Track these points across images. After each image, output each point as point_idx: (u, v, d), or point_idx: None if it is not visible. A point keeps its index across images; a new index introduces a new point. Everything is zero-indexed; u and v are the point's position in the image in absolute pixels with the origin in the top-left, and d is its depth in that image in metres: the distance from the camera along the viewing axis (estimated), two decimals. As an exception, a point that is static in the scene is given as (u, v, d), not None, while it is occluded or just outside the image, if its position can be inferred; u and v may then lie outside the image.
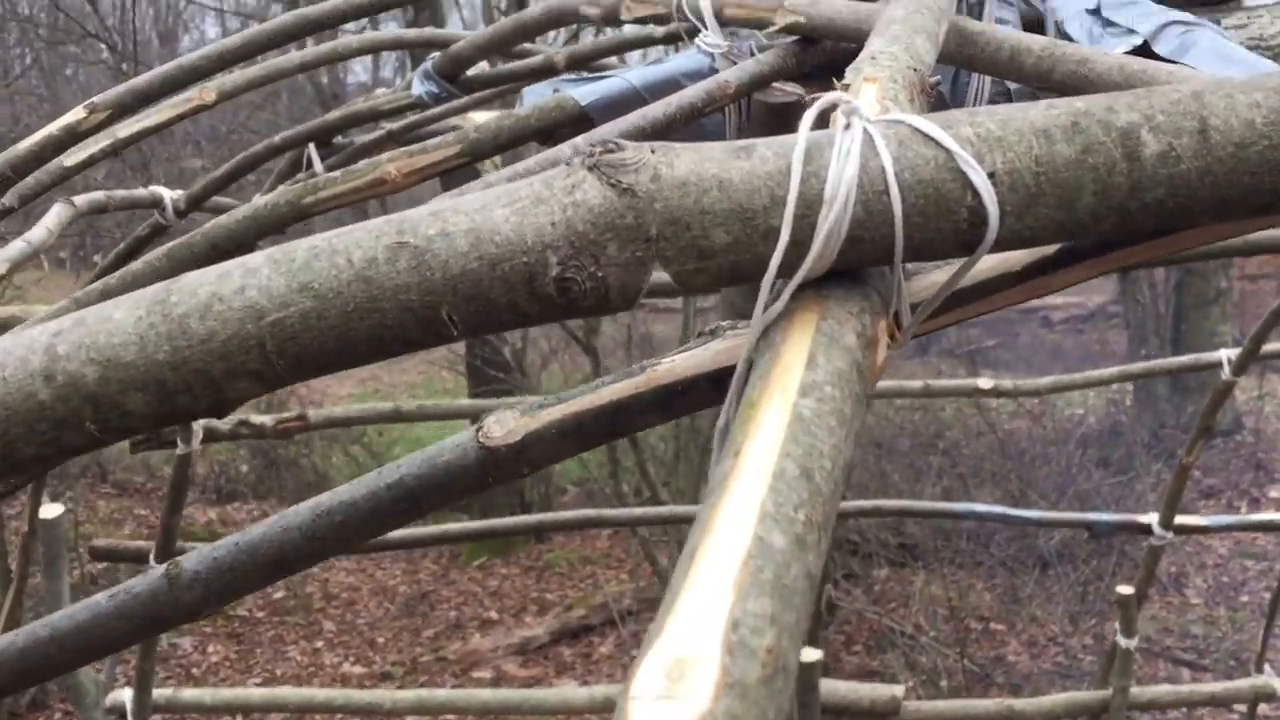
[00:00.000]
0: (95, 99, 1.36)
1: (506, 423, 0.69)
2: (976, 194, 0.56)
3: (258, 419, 3.32)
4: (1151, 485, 7.77)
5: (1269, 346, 3.33)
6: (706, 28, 1.31)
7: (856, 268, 0.60)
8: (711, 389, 0.68)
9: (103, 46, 11.03)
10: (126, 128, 1.69)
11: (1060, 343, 11.50)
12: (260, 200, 1.17)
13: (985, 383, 3.52)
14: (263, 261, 0.60)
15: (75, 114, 1.34)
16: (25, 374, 0.59)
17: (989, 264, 0.65)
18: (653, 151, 0.57)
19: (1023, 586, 7.15)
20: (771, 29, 1.22)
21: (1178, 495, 3.56)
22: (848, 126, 0.57)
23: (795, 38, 1.22)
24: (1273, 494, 8.16)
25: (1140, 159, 0.56)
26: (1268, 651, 3.72)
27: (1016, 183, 0.56)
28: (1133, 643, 3.63)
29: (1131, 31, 0.95)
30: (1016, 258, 0.65)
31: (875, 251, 0.58)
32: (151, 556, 2.82)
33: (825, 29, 1.17)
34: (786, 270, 0.58)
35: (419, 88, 2.10)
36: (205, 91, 1.72)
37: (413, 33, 1.92)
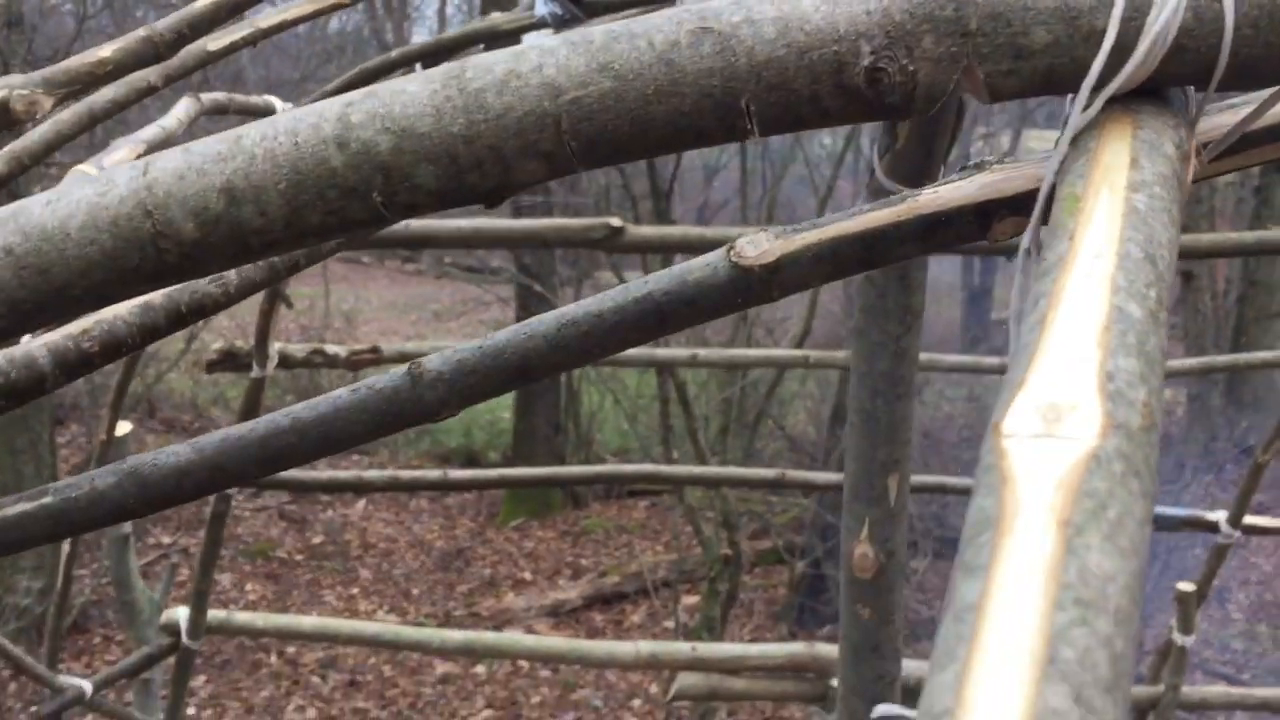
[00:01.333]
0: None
1: (760, 243, 0.68)
2: (1317, 5, 0.54)
3: (331, 349, 3.34)
4: (1200, 496, 7.69)
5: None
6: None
7: (1165, 88, 0.58)
8: (975, 221, 0.67)
9: (175, -11, 11.11)
10: (267, 19, 1.69)
11: (1111, 350, 11.28)
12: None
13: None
14: (560, 42, 0.59)
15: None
16: (319, 139, 0.59)
17: (1280, 108, 0.64)
18: (974, -52, 0.56)
19: (1062, 586, 7.06)
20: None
21: (1249, 494, 3.51)
22: (1179, -67, 0.55)
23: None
24: (1323, 513, 8.04)
25: None
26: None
27: (1358, -3, 0.54)
28: (1190, 640, 3.60)
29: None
30: (1311, 102, 0.63)
31: (1195, 65, 0.56)
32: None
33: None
34: (1102, 80, 0.56)
35: (542, 8, 2.10)
36: (344, -12, 1.72)
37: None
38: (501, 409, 9.36)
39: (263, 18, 1.68)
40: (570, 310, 0.69)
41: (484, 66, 0.59)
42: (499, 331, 0.69)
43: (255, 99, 2.29)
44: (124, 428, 2.94)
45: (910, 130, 1.36)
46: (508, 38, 2.21)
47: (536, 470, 4.40)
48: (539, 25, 2.11)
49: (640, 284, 0.69)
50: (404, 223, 0.95)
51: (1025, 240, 0.58)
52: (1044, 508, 0.38)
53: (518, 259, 8.24)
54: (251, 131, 0.60)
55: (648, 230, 3.44)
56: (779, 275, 0.68)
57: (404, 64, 2.21)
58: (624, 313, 0.68)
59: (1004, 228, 0.66)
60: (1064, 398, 0.42)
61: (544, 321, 0.69)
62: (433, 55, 2.24)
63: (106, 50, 1.30)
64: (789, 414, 8.47)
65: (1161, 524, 3.86)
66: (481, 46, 2.25)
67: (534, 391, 8.22)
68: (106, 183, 0.59)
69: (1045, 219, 0.56)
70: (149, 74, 1.57)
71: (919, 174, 1.44)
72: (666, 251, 3.70)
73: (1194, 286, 8.53)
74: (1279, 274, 8.11)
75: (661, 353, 3.60)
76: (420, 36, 12.87)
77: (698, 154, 11.24)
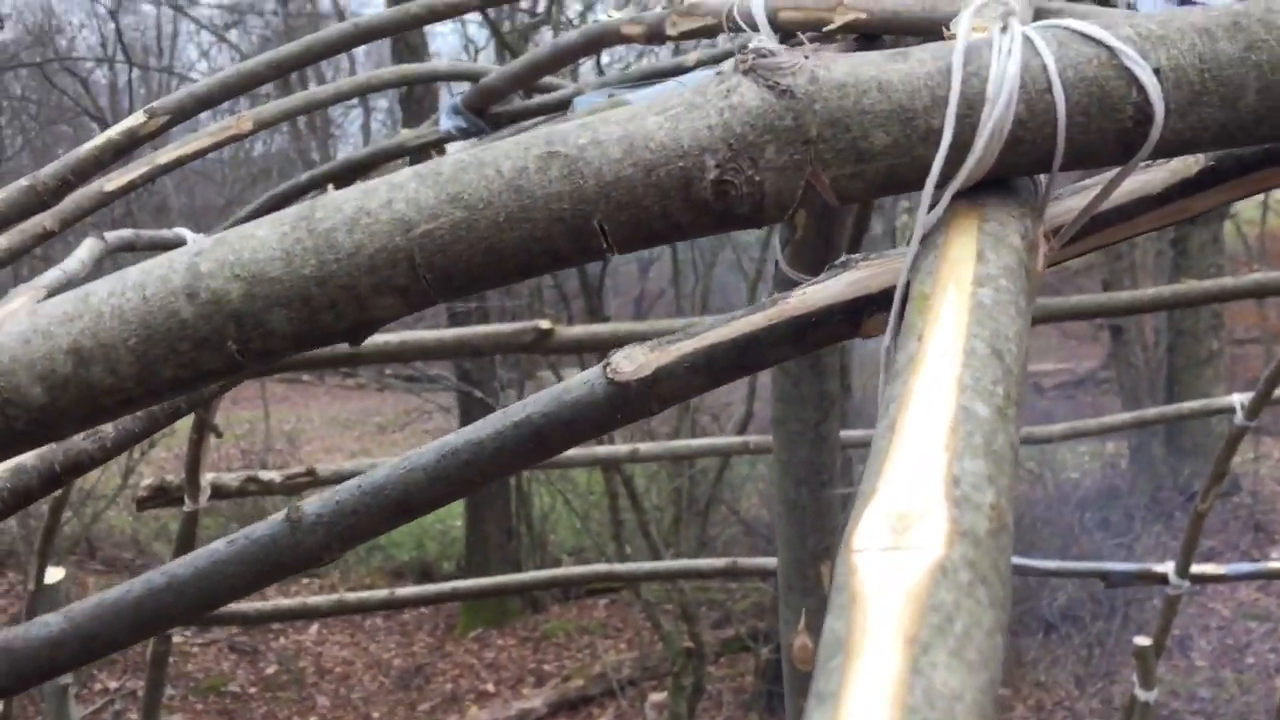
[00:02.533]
0: (155, 103, 1.35)
1: (636, 358, 0.67)
2: (1142, 89, 0.55)
3: (266, 475, 3.27)
4: (1151, 547, 7.73)
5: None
6: (760, 34, 1.32)
7: (1008, 178, 0.59)
8: (845, 320, 0.67)
9: (94, 125, 11.10)
10: (165, 154, 1.68)
11: (1053, 409, 11.49)
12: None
13: (999, 430, 3.49)
14: (409, 176, 0.59)
15: (135, 118, 1.34)
16: (168, 291, 0.58)
17: (1129, 186, 0.65)
18: (807, 56, 0.57)
19: (1027, 650, 7.08)
20: (830, 28, 1.23)
21: (1193, 543, 3.53)
22: (1005, 29, 0.56)
23: (855, 36, 1.23)
24: (1274, 555, 8.13)
25: (1301, 56, 0.56)
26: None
27: (1181, 79, 0.56)
28: (1152, 695, 3.58)
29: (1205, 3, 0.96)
30: (1157, 180, 0.65)
31: (1035, 155, 0.57)
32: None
33: (889, 24, 1.18)
34: (944, 177, 0.57)
35: (447, 123, 2.11)
36: (242, 120, 1.73)
37: (444, 65, 1.94)
38: (452, 518, 9.24)
39: (162, 153, 1.67)
40: (450, 440, 0.68)
41: (334, 205, 0.59)
42: (379, 468, 0.67)
43: (165, 232, 2.27)
44: (56, 574, 2.85)
45: (807, 221, 1.37)
46: (416, 154, 2.23)
47: (484, 581, 4.33)
48: (445, 140, 2.13)
49: (519, 407, 0.68)
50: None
51: (886, 339, 0.58)
52: (891, 626, 0.37)
53: (457, 366, 8.21)
54: (100, 288, 0.59)
55: (578, 330, 3.43)
56: (656, 388, 0.67)
57: (313, 187, 2.21)
58: (503, 438, 0.67)
59: (873, 325, 0.66)
60: (912, 506, 0.42)
61: (423, 454, 0.67)
62: (343, 176, 2.24)
63: (-10, 202, 1.29)
64: (742, 498, 8.43)
65: (1113, 581, 3.86)
66: (406, 159, 2.26)
67: (484, 498, 8.14)
68: (-53, 354, 0.57)
69: (902, 317, 0.56)
70: (44, 219, 1.55)
71: (820, 262, 1.45)
72: (598, 350, 3.70)
73: (1123, 340, 8.69)
74: (1204, 322, 8.29)
75: (603, 450, 3.58)
76: (346, 152, 12.95)
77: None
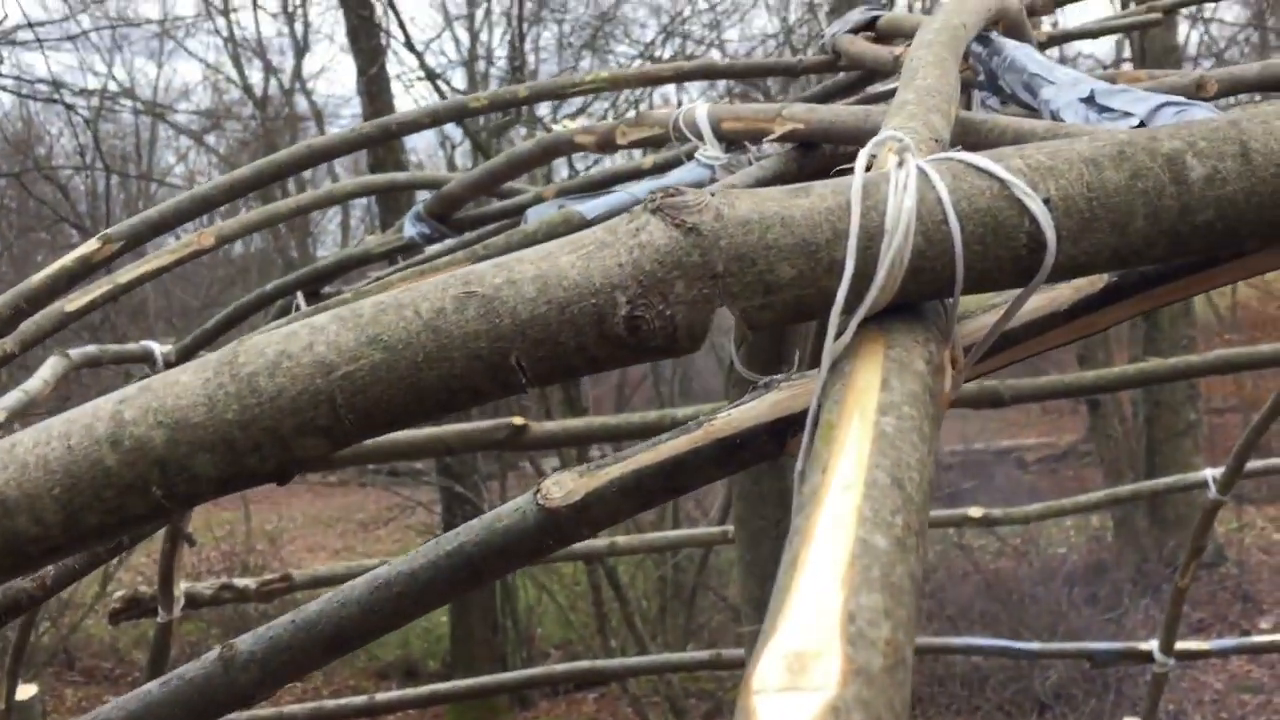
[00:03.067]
0: (109, 230, 1.37)
1: (565, 484, 0.68)
2: (1034, 219, 0.57)
3: (241, 582, 3.24)
4: (1141, 621, 7.69)
5: (1251, 464, 3.35)
6: (705, 142, 1.35)
7: (914, 303, 0.61)
8: (770, 440, 0.68)
9: (74, 232, 11.15)
10: (125, 273, 1.70)
11: (1035, 483, 11.51)
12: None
13: (975, 511, 3.51)
14: (329, 319, 0.60)
15: (89, 245, 1.36)
16: (91, 440, 0.59)
17: (1037, 303, 0.67)
18: (712, 194, 0.59)
19: (1022, 731, 6.98)
20: (770, 138, 1.27)
21: (1176, 619, 3.52)
22: (901, 164, 0.59)
23: (795, 145, 1.27)
24: (1263, 625, 8.10)
25: (1187, 182, 0.58)
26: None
27: (1070, 208, 0.58)
28: (1146, 774, 3.54)
29: (1128, 114, 0.99)
30: (1064, 297, 0.67)
31: (936, 282, 0.59)
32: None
33: (825, 133, 1.21)
34: (849, 306, 0.59)
35: (410, 229, 2.14)
36: (204, 235, 1.75)
37: (404, 175, 1.97)
38: (438, 614, 9.12)
39: (122, 272, 1.69)
40: (382, 572, 0.68)
41: (256, 350, 0.60)
42: (311, 603, 0.68)
43: (131, 347, 2.28)
44: (27, 691, 2.80)
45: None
46: (379, 260, 2.25)
47: (467, 682, 4.27)
48: (409, 247, 2.15)
49: (451, 537, 0.68)
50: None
51: (799, 465, 0.59)
52: (781, 776, 0.38)
53: (439, 460, 8.18)
54: (25, 438, 0.59)
55: (551, 425, 3.44)
56: (587, 513, 0.68)
57: (280, 295, 2.23)
58: (437, 569, 0.68)
59: (796, 445, 0.67)
60: (809, 645, 0.43)
61: (356, 588, 0.68)
62: (310, 283, 2.26)
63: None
64: (728, 583, 8.37)
65: (1099, 661, 3.84)
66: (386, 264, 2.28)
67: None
68: None
69: (814, 437, 0.57)
70: (5, 342, 1.56)
71: (775, 360, 1.47)
72: (572, 445, 3.70)
73: (1101, 414, 8.74)
74: (1180, 394, 8.35)
75: (580, 545, 3.56)
76: (325, 252, 13.03)
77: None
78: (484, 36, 11.37)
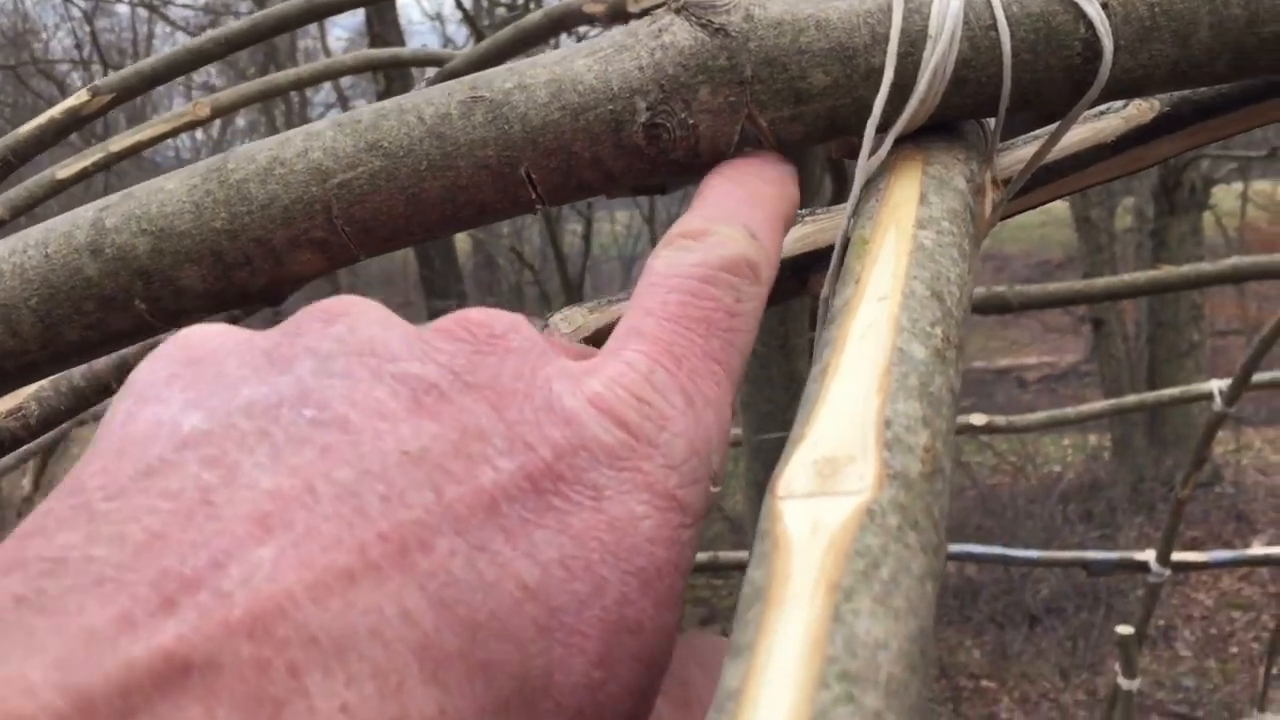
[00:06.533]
0: (99, 81, 1.32)
1: (574, 319, 0.64)
2: (1090, 25, 0.53)
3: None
4: (1135, 539, 7.75)
5: (1259, 376, 3.32)
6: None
7: (954, 121, 0.57)
8: (793, 277, 0.64)
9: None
10: (119, 141, 1.64)
11: (1034, 402, 11.52)
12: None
13: (978, 419, 3.48)
14: (327, 125, 0.56)
15: (79, 97, 1.30)
16: (70, 249, 0.55)
17: (1081, 134, 0.62)
18: (743, -5, 0.54)
19: (1012, 643, 7.08)
20: None
21: (1174, 530, 3.51)
22: (948, -36, 0.54)
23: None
24: (1256, 545, 8.15)
25: (1256, -11, 0.53)
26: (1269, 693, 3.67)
27: (1130, 14, 0.53)
28: (1135, 684, 3.57)
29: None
30: (1110, 127, 0.62)
31: (980, 95, 0.54)
32: None
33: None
34: (886, 120, 0.54)
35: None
36: (199, 105, 1.69)
37: (408, 50, 1.90)
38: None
39: (115, 140, 1.63)
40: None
41: (247, 156, 0.56)
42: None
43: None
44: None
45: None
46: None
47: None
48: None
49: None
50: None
51: (824, 289, 0.55)
52: (812, 574, 0.34)
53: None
54: (1, 248, 0.56)
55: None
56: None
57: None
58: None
59: (819, 283, 0.63)
60: (841, 450, 0.39)
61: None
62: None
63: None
64: (727, 494, 8.42)
65: (1094, 570, 3.86)
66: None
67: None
68: None
69: (842, 264, 0.53)
70: (-6, 206, 1.51)
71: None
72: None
73: (1105, 333, 8.71)
74: (1183, 314, 8.31)
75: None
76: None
77: (611, 243, 11.29)
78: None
